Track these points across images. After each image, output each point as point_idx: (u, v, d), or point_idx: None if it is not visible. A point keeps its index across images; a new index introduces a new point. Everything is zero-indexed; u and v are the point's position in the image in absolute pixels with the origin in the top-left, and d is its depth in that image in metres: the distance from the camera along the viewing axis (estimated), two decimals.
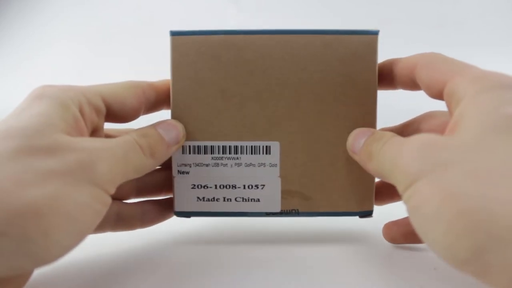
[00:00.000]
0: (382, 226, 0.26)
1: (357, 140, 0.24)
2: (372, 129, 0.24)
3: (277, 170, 0.25)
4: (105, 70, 0.90)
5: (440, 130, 0.23)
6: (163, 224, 0.27)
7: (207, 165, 0.25)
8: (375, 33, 0.25)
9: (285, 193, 0.26)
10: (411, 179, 0.17)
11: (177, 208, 0.26)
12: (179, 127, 0.24)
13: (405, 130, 0.26)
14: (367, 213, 0.26)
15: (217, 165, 0.25)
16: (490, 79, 0.19)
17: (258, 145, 0.25)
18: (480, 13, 0.74)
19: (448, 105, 0.21)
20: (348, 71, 0.25)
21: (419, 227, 0.17)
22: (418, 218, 0.17)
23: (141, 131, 0.22)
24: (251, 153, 0.25)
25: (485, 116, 0.17)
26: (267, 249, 0.26)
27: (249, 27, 0.25)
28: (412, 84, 0.24)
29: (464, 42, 0.71)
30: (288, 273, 0.23)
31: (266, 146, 0.25)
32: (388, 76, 0.25)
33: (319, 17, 0.71)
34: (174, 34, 0.24)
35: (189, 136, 0.25)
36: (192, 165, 0.25)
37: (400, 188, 0.18)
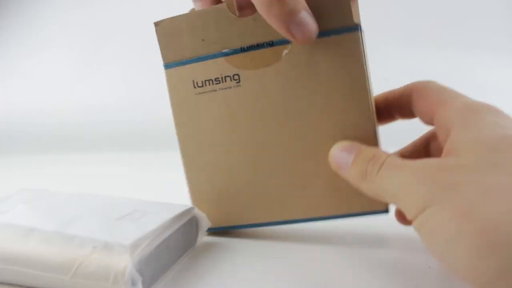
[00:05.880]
0: (375, 227, 0.27)
1: (343, 155, 0.23)
2: (358, 145, 0.23)
3: None
4: (104, 69, 0.90)
5: (438, 154, 0.23)
6: None
7: None
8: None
9: None
10: (423, 205, 0.17)
11: None
12: None
13: (406, 154, 0.26)
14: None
15: None
16: (475, 105, 0.20)
17: None
18: (480, 14, 0.74)
19: (438, 131, 0.22)
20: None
21: (437, 252, 0.17)
22: (436, 243, 0.17)
23: None
24: None
25: (481, 138, 0.18)
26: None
27: None
28: (409, 113, 0.25)
29: (464, 42, 0.71)
30: (285, 274, 0.23)
31: None
32: (385, 109, 0.25)
33: None
34: None
35: None
36: None
37: (410, 214, 0.18)
